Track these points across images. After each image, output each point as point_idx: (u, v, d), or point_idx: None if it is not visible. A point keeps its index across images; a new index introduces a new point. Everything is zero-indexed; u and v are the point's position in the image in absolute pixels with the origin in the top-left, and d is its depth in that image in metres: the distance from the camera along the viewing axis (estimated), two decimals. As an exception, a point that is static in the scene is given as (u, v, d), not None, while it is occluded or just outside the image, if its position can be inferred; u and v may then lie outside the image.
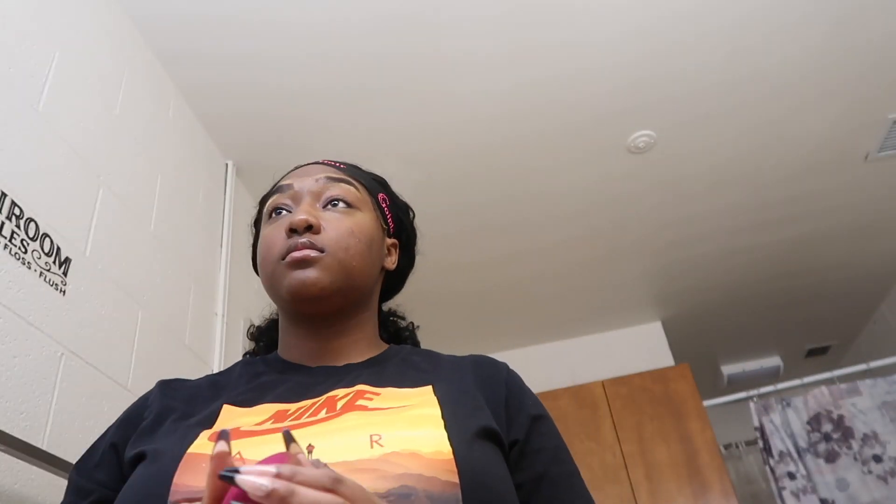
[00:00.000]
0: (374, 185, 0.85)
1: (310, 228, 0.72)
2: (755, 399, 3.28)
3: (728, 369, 4.64)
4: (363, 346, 0.78)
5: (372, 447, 0.55)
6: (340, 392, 0.66)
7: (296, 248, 0.71)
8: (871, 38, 2.23)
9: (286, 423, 0.60)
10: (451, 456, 0.55)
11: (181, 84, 2.06)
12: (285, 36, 1.96)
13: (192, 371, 1.80)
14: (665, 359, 3.77)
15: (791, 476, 2.99)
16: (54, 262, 1.31)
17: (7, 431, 1.02)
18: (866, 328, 4.43)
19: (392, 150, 2.42)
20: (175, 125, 2.02)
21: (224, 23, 1.90)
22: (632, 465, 3.10)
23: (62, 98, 1.46)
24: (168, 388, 0.73)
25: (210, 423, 0.63)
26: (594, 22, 2.05)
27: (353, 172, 0.83)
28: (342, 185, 0.78)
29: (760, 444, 3.17)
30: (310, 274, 0.70)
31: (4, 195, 1.21)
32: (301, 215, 0.72)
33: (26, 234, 1.25)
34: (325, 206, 0.76)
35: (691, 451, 3.10)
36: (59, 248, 1.33)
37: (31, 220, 1.27)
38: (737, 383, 4.54)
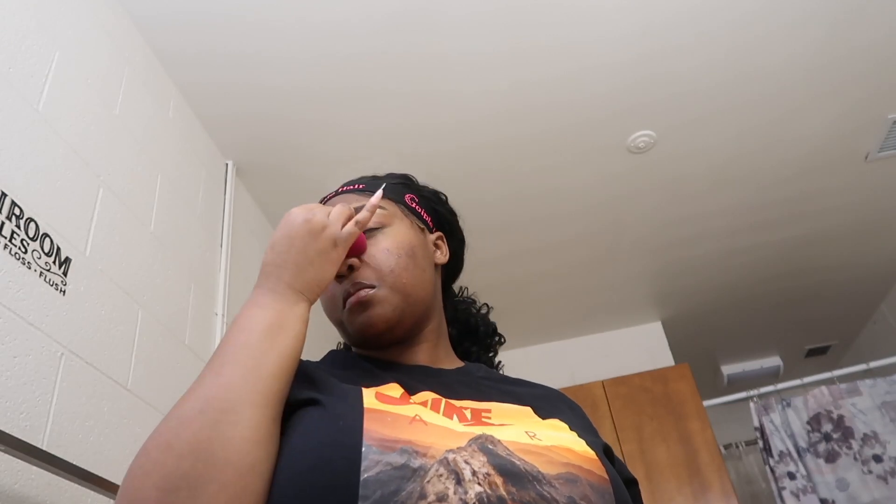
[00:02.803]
0: (399, 190, 0.85)
1: (352, 269, 0.75)
2: (755, 399, 3.28)
3: (728, 369, 4.64)
4: (441, 351, 0.81)
5: (532, 439, 0.60)
6: (457, 403, 0.68)
7: (349, 294, 0.74)
8: (871, 39, 2.23)
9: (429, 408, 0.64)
10: (597, 458, 0.61)
11: (181, 84, 2.06)
12: (285, 36, 1.96)
13: (193, 371, 1.80)
14: (665, 359, 3.77)
15: (791, 476, 2.99)
16: (54, 262, 1.31)
17: (7, 431, 1.02)
18: (866, 328, 4.43)
19: (391, 149, 2.42)
20: (175, 125, 2.02)
21: (224, 22, 1.90)
22: (632, 465, 3.10)
23: (62, 98, 1.46)
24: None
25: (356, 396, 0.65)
26: (594, 22, 2.05)
27: (374, 188, 0.82)
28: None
29: (760, 444, 3.17)
30: (372, 314, 0.73)
31: (4, 195, 1.21)
32: None
33: (26, 234, 1.25)
34: None
35: (691, 451, 3.10)
36: (59, 248, 1.33)
37: (31, 220, 1.27)
38: (737, 383, 4.54)
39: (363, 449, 0.53)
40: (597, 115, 2.40)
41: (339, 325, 0.79)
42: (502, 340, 0.94)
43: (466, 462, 0.54)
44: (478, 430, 0.59)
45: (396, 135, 2.37)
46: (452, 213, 0.91)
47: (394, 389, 0.67)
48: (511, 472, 0.54)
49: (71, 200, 1.42)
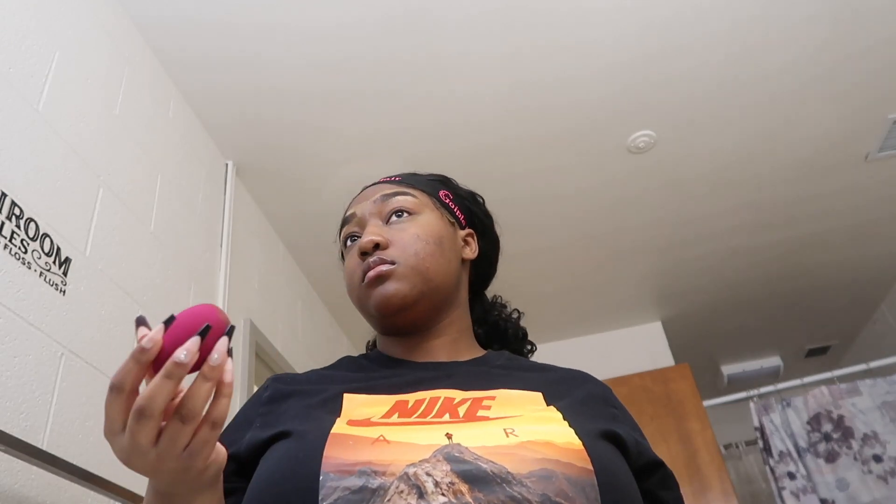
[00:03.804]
0: (434, 185, 0.87)
1: (377, 247, 0.76)
2: (755, 399, 3.28)
3: (728, 369, 4.64)
4: (462, 344, 0.81)
5: (508, 437, 0.58)
6: (457, 396, 0.68)
7: (370, 268, 0.75)
8: (872, 39, 2.23)
9: (413, 418, 0.63)
10: (583, 447, 0.58)
11: (181, 84, 2.06)
12: (284, 38, 1.96)
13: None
14: (665, 359, 3.77)
15: (791, 476, 2.99)
16: (54, 262, 1.31)
17: (7, 431, 1.02)
18: (866, 328, 4.43)
19: (391, 151, 2.42)
20: (175, 125, 2.02)
21: (224, 24, 1.90)
22: (632, 465, 3.10)
23: (62, 98, 1.46)
24: (281, 381, 0.76)
25: (336, 408, 0.66)
26: (594, 22, 2.05)
27: (409, 180, 0.86)
28: (398, 197, 0.81)
29: (760, 444, 3.17)
30: (389, 287, 0.74)
31: (4, 195, 1.21)
32: (367, 237, 0.77)
33: (26, 234, 1.25)
34: (388, 221, 0.80)
35: (691, 451, 3.10)
36: (59, 248, 1.33)
37: (31, 220, 1.27)
38: (737, 383, 4.55)
39: (321, 477, 0.53)
40: (597, 115, 2.40)
41: (360, 303, 0.79)
42: (534, 348, 0.95)
43: (428, 474, 0.53)
44: (446, 432, 0.58)
45: (396, 137, 2.37)
46: (487, 216, 0.92)
47: (380, 405, 0.66)
48: (477, 477, 0.53)
49: (71, 200, 1.42)
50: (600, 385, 0.78)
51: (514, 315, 0.96)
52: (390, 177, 0.87)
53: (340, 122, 2.27)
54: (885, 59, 2.31)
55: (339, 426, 0.60)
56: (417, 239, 0.77)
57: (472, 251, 0.86)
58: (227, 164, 2.34)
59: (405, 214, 0.80)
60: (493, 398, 0.67)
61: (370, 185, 0.87)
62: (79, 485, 1.17)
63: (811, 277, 3.73)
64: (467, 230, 0.87)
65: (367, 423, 0.62)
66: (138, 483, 1.36)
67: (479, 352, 0.83)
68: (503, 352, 0.85)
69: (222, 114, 2.18)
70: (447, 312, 0.81)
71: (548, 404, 0.67)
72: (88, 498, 1.25)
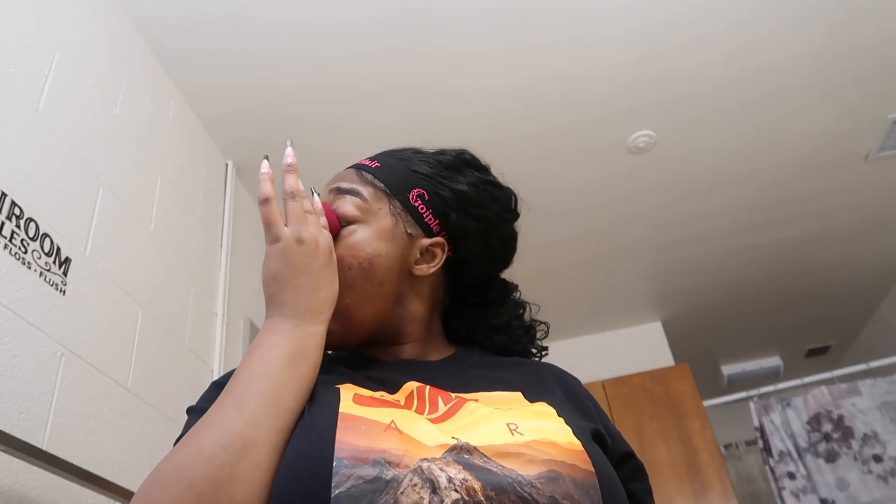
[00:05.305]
0: (408, 182, 0.77)
1: None
2: (755, 399, 3.28)
3: (728, 369, 4.64)
4: (428, 346, 0.78)
5: (513, 435, 0.58)
6: (442, 394, 0.67)
7: None
8: (871, 39, 2.23)
9: (413, 410, 0.62)
10: (583, 448, 0.59)
11: (181, 84, 2.06)
12: (285, 36, 1.96)
13: (193, 371, 1.81)
14: (665, 359, 3.78)
15: (791, 476, 2.99)
16: (54, 262, 1.31)
17: (7, 431, 1.02)
18: (866, 328, 4.43)
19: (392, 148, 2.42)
20: (175, 125, 2.02)
21: (224, 23, 1.90)
22: (632, 465, 3.10)
23: (62, 98, 1.46)
24: None
25: (334, 390, 0.64)
26: (594, 22, 2.05)
27: (380, 172, 0.78)
28: (347, 196, 0.75)
29: (760, 444, 3.18)
30: None
31: (4, 195, 1.21)
32: None
33: (26, 234, 1.25)
34: None
35: (691, 451, 3.10)
36: (59, 248, 1.33)
37: (31, 220, 1.27)
38: (737, 383, 4.55)
39: (334, 463, 0.53)
40: (597, 115, 2.40)
41: None
42: (541, 353, 0.85)
43: (442, 469, 0.53)
44: (452, 435, 0.57)
45: (396, 134, 2.35)
46: (481, 220, 0.78)
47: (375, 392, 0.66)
48: (489, 476, 0.53)
49: (71, 200, 1.42)
50: (572, 377, 0.78)
51: (517, 333, 0.83)
52: (367, 161, 0.80)
53: (341, 120, 2.27)
54: (884, 58, 2.31)
55: (346, 404, 0.60)
56: (339, 266, 0.71)
57: (430, 266, 0.75)
58: (227, 164, 2.34)
59: (343, 222, 0.74)
60: (476, 400, 0.66)
61: (348, 168, 0.81)
62: (79, 485, 1.17)
63: (811, 277, 3.73)
64: (436, 238, 0.76)
65: (373, 401, 0.61)
66: (139, 483, 1.36)
67: (448, 350, 0.80)
68: (472, 349, 0.81)
69: (222, 113, 2.18)
70: (395, 328, 0.76)
71: (531, 402, 0.67)
72: (88, 498, 1.25)
